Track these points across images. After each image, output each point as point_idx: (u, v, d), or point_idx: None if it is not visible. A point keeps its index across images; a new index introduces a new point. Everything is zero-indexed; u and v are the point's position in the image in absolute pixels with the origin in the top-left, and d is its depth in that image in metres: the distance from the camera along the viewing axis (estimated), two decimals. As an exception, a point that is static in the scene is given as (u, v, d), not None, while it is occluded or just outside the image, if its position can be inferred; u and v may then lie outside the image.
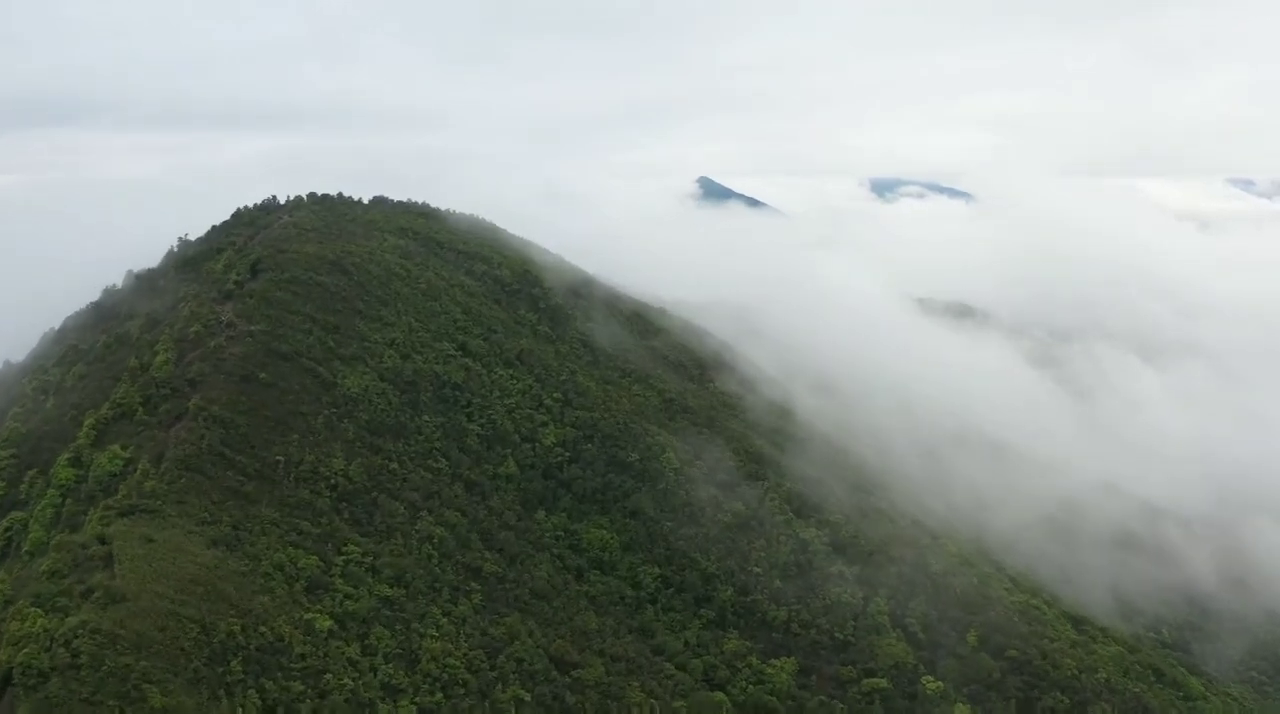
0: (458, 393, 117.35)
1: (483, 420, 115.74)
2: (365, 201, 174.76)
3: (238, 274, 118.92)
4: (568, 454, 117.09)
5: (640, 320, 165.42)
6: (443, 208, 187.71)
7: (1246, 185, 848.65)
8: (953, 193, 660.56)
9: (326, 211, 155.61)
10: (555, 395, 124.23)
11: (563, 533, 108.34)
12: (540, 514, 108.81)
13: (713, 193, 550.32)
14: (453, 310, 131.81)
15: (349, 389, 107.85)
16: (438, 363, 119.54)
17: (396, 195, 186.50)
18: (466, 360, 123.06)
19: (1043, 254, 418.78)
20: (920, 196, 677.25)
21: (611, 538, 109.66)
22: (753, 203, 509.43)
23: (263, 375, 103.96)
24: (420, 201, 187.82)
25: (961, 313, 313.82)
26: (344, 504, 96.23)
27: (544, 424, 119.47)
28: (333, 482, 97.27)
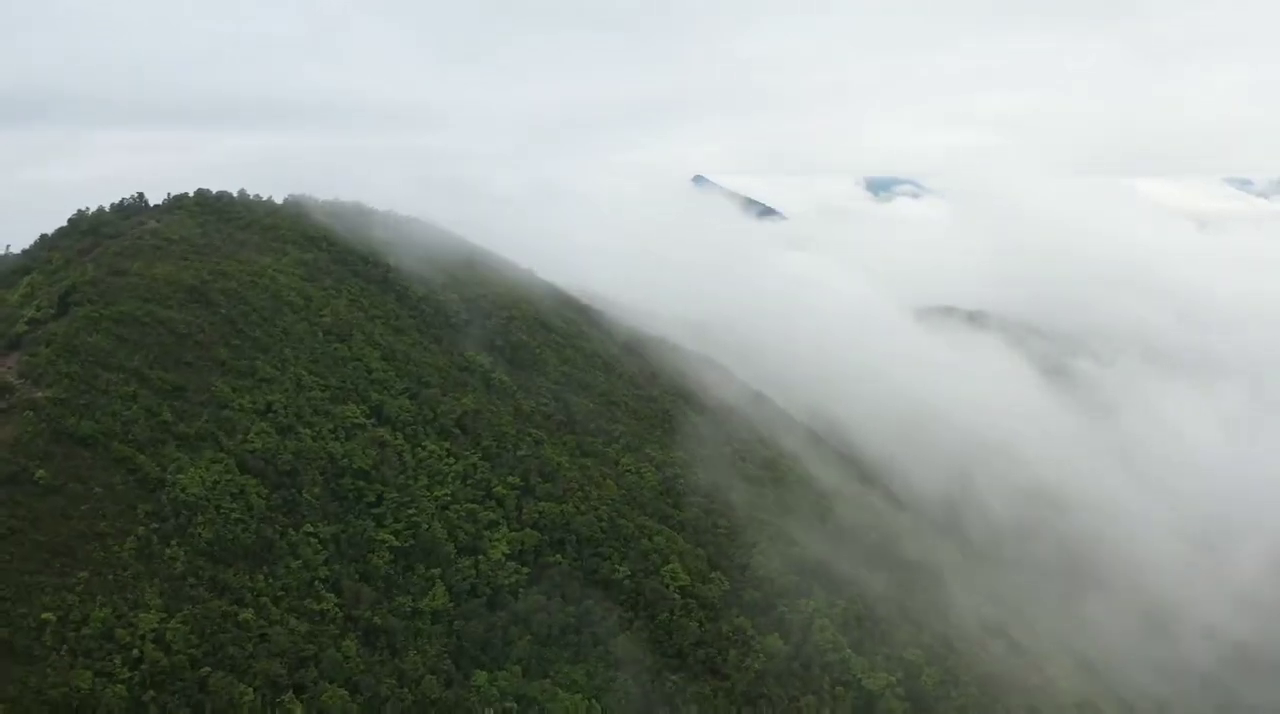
0: (364, 484, 79.86)
1: (399, 525, 78.37)
2: (278, 201, 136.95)
3: (39, 308, 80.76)
4: (527, 571, 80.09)
5: (632, 355, 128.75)
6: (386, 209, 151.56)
7: (1244, 185, 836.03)
8: (949, 192, 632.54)
9: (213, 215, 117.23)
10: (511, 479, 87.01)
11: (514, 703, 71.38)
12: (481, 676, 71.66)
13: (708, 192, 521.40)
14: (367, 355, 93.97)
15: (185, 490, 70.18)
16: (335, 438, 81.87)
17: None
18: (381, 431, 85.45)
19: (1041, 253, 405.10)
20: (916, 196, 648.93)
21: (590, 706, 73.02)
22: (748, 201, 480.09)
23: (41, 473, 66.24)
24: (358, 202, 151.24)
25: (962, 318, 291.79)
26: (152, 692, 58.85)
27: (493, 525, 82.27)
28: (136, 653, 59.85)
